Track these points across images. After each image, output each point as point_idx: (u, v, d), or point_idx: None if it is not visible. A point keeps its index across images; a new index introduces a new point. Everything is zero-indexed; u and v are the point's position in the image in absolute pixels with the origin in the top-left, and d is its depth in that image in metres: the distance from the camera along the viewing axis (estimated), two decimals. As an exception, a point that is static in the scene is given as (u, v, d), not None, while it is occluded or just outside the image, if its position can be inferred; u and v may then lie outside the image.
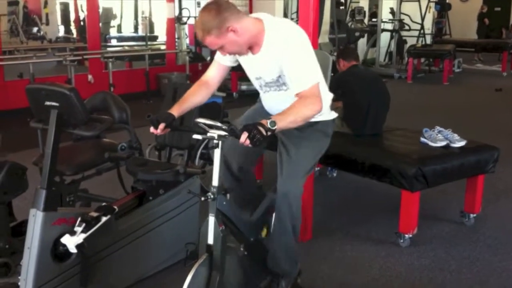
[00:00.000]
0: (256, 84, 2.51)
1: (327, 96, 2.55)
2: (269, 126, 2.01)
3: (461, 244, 3.40)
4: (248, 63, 2.40)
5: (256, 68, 2.40)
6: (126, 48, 12.28)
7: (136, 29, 14.53)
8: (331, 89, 2.71)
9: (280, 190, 2.35)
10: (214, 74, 2.51)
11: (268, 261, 2.50)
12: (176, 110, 2.33)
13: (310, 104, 2.20)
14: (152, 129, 2.24)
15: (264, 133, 1.98)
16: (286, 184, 2.34)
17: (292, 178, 2.34)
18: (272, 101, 2.44)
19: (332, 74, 3.13)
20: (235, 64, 2.52)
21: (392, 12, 12.25)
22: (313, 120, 2.46)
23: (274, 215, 2.49)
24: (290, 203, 2.34)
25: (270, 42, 2.26)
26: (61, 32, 14.24)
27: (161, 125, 2.22)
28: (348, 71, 4.13)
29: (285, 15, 10.04)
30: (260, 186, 2.86)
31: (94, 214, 2.49)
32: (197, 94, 2.44)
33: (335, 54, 9.07)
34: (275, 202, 2.46)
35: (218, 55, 2.49)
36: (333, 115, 2.58)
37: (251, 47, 2.30)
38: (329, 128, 2.55)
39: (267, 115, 2.25)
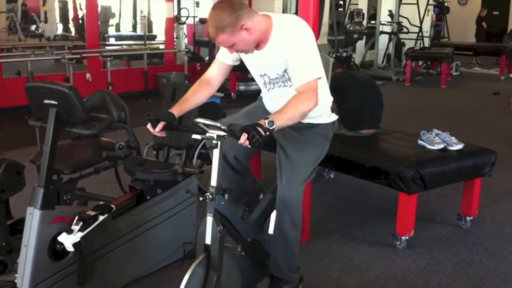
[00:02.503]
0: (260, 82, 2.49)
1: (328, 98, 2.55)
2: (267, 126, 2.01)
3: (458, 247, 3.40)
4: (253, 60, 2.39)
5: (261, 65, 2.38)
6: (125, 47, 12.28)
7: (134, 28, 14.51)
8: None
9: (280, 197, 2.35)
10: (216, 73, 2.49)
11: (269, 265, 2.51)
12: (177, 110, 2.32)
13: (306, 99, 2.19)
14: (149, 127, 2.23)
15: (263, 133, 1.98)
16: (286, 191, 2.33)
17: (292, 184, 2.34)
18: (277, 99, 2.39)
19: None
20: (237, 63, 2.51)
21: (391, 14, 12.27)
22: (313, 122, 2.46)
23: (272, 215, 2.50)
24: (290, 211, 2.35)
25: (276, 38, 2.27)
26: (60, 30, 14.21)
27: (160, 124, 2.21)
28: (339, 74, 4.19)
29: (284, 16, 10.02)
30: (255, 181, 2.83)
31: (92, 213, 2.49)
32: (198, 94, 2.43)
33: (333, 56, 9.15)
34: (273, 202, 2.47)
35: (220, 54, 2.48)
36: (333, 117, 2.58)
37: (258, 44, 2.29)
38: (329, 131, 2.55)
39: (265, 113, 2.24)
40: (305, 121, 2.44)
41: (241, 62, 2.50)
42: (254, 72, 2.47)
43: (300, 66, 2.23)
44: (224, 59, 2.48)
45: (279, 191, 2.35)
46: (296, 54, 2.23)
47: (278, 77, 2.36)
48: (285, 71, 2.32)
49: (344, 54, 10.43)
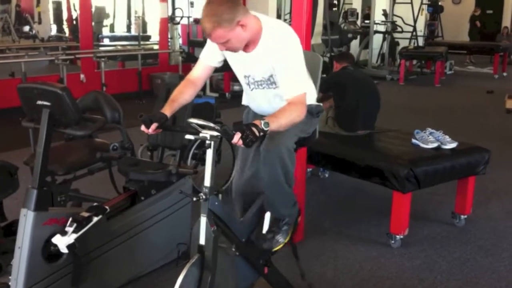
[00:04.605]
0: (243, 82, 2.49)
1: (312, 91, 2.54)
2: (262, 126, 2.00)
3: (452, 245, 3.42)
4: (239, 61, 2.39)
5: (247, 67, 2.38)
6: (119, 47, 12.24)
7: (129, 28, 14.48)
8: (322, 88, 2.72)
9: (265, 145, 2.25)
10: (199, 74, 2.48)
11: (265, 206, 2.47)
12: (168, 110, 2.32)
13: (299, 111, 2.20)
14: (143, 128, 2.23)
15: (257, 133, 1.98)
16: (272, 141, 2.24)
17: (278, 137, 2.24)
18: (259, 99, 2.41)
19: (324, 75, 3.16)
20: (221, 64, 2.51)
21: (385, 14, 12.30)
22: None
23: (266, 215, 2.50)
24: (279, 152, 2.25)
25: (265, 42, 2.26)
26: (54, 31, 14.17)
27: (153, 125, 2.21)
28: (338, 72, 4.27)
29: (278, 16, 10.05)
30: None
31: (86, 214, 2.48)
32: (185, 93, 2.42)
33: (327, 55, 9.18)
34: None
35: (204, 56, 2.46)
36: (311, 100, 2.51)
37: (246, 45, 2.27)
38: (311, 108, 2.48)
39: (257, 116, 2.23)
40: None
41: (225, 62, 2.50)
42: (239, 72, 2.47)
43: (290, 80, 2.23)
44: (209, 61, 2.46)
45: (264, 145, 2.25)
46: (285, 66, 2.23)
47: (263, 80, 2.36)
48: (271, 76, 2.32)
49: (338, 54, 10.44)
